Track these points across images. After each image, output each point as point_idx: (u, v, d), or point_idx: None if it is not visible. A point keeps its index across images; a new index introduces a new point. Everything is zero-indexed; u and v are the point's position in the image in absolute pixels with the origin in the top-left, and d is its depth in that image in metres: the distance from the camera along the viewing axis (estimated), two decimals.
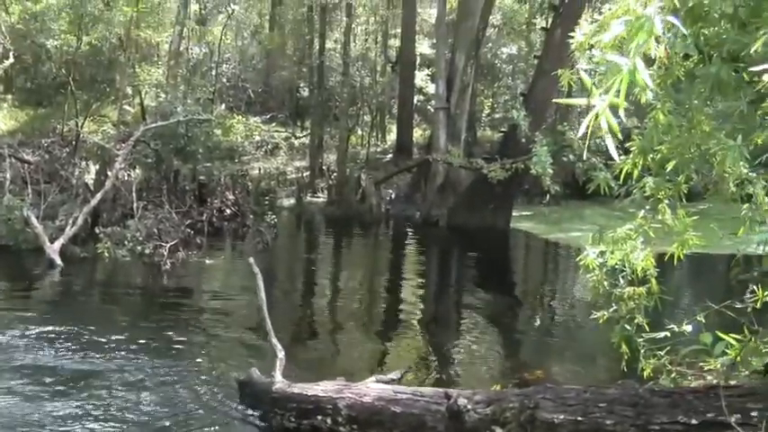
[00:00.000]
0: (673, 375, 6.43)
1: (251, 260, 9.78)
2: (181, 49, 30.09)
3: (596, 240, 5.99)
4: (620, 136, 3.02)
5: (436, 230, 23.79)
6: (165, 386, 8.71)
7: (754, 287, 5.84)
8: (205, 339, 10.93)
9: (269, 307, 9.09)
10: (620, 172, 5.28)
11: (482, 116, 39.48)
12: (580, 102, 3.38)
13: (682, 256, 5.75)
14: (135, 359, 9.59)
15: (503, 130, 27.54)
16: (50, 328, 10.82)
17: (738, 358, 6.11)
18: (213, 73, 34.05)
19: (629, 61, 2.80)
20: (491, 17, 29.36)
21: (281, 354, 8.32)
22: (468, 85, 26.08)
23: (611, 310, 6.22)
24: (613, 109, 2.90)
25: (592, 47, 3.85)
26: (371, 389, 7.18)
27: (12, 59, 24.58)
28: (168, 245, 16.28)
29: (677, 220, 5.68)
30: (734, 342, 6.10)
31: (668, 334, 6.24)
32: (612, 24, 3.11)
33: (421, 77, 36.70)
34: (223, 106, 34.32)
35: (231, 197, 20.80)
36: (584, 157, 17.10)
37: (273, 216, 20.71)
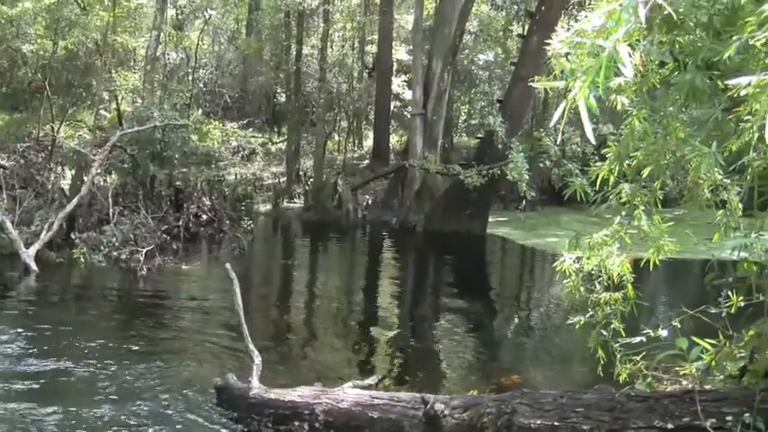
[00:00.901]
0: (648, 380, 6.46)
1: (227, 266, 9.66)
2: (157, 54, 29.91)
3: (572, 246, 6.01)
4: (597, 112, 3.07)
5: (413, 236, 23.85)
6: (141, 392, 8.63)
7: (729, 292, 5.87)
8: (182, 345, 10.85)
9: (245, 312, 9.08)
10: (596, 178, 5.29)
11: (459, 122, 39.57)
12: (559, 84, 3.38)
13: (657, 262, 5.76)
14: (110, 365, 9.49)
15: (479, 136, 27.62)
16: (25, 333, 10.71)
17: (713, 363, 6.19)
18: (190, 78, 33.89)
19: (610, 43, 2.85)
20: (468, 24, 29.41)
21: (257, 359, 8.28)
22: (445, 92, 26.17)
23: (588, 315, 6.25)
24: (591, 112, 2.92)
25: (567, 54, 3.87)
26: (348, 394, 7.17)
27: None
28: (144, 250, 16.21)
29: (653, 225, 5.68)
30: (709, 347, 6.19)
31: (644, 339, 6.30)
32: (594, 16, 3.15)
33: (398, 84, 36.74)
34: (200, 111, 34.30)
35: (208, 203, 20.66)
36: (560, 158, 17.12)
37: (250, 221, 20.95)
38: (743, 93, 3.37)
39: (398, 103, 37.02)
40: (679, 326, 6.07)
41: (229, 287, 9.27)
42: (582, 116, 2.83)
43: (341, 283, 17.92)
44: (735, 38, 3.56)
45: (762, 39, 3.46)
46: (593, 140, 3.54)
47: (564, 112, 3.01)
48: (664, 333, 6.23)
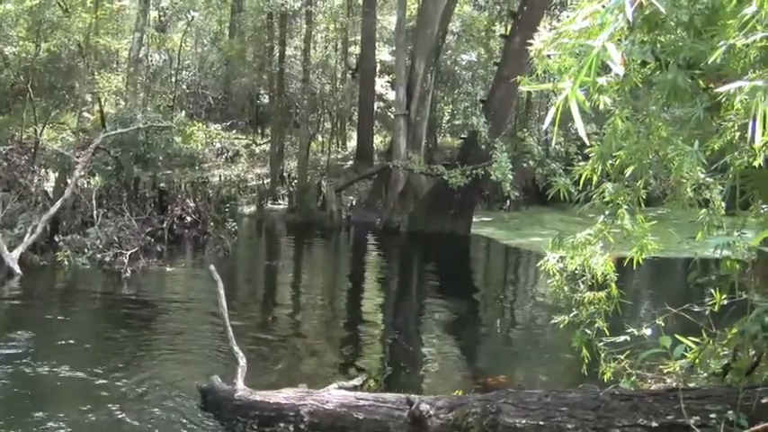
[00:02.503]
0: (633, 378, 6.48)
1: (211, 268, 9.71)
2: (140, 55, 29.78)
3: (556, 246, 6.02)
4: (589, 112, 3.11)
5: (397, 237, 23.84)
6: (125, 395, 8.57)
7: (712, 290, 5.89)
8: (166, 347, 10.82)
9: (230, 314, 9.06)
10: (580, 177, 5.30)
11: (442, 123, 39.54)
12: (546, 87, 3.40)
13: (641, 261, 5.78)
14: (94, 368, 9.42)
15: (463, 136, 27.92)
16: (8, 336, 10.63)
17: (697, 361, 6.25)
18: (173, 80, 33.79)
19: (599, 42, 2.87)
20: (450, 24, 29.44)
21: (242, 361, 8.29)
22: (428, 92, 26.18)
23: (572, 314, 6.26)
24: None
25: (549, 55, 3.90)
26: (333, 395, 7.16)
27: None
28: (128, 253, 16.14)
29: (636, 224, 5.71)
30: (692, 345, 6.22)
31: (628, 338, 6.33)
32: (578, 17, 3.19)
33: (381, 84, 36.76)
34: (183, 113, 34.12)
35: (192, 205, 20.50)
36: (544, 158, 17.14)
37: (234, 223, 20.97)
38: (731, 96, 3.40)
39: (382, 104, 37.05)
40: (663, 324, 6.03)
41: (214, 289, 9.28)
42: (574, 116, 2.83)
43: (325, 284, 17.91)
44: (720, 42, 3.56)
45: (742, 40, 3.47)
46: (586, 141, 3.63)
47: (556, 114, 3.01)
48: (647, 332, 6.24)
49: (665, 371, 6.49)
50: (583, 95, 2.97)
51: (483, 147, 20.50)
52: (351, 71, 36.93)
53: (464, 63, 37.85)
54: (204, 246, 19.68)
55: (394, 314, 14.76)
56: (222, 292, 9.16)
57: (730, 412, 5.07)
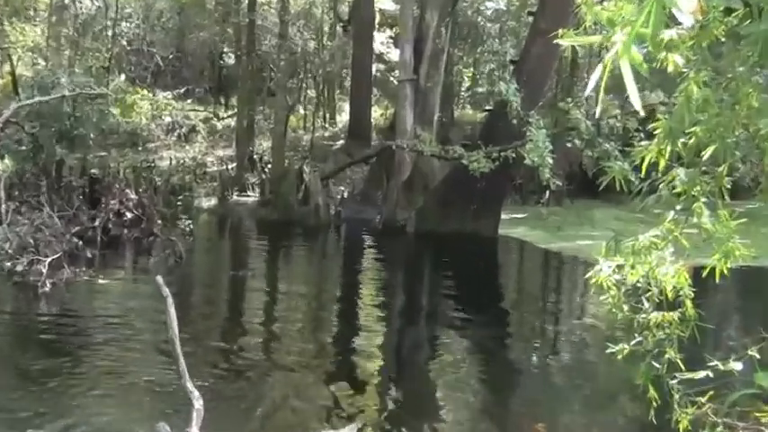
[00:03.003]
0: (719, 429, 6.28)
1: (159, 279, 9.67)
2: (66, 1, 29.77)
3: (611, 251, 5.68)
4: (647, 74, 3.06)
5: (402, 239, 24.03)
6: None
7: None
8: (99, 384, 10.77)
9: (183, 341, 9.03)
10: (642, 161, 5.10)
11: (461, 90, 39.54)
12: (593, 39, 3.35)
13: (725, 271, 5.43)
14: (4, 412, 9.38)
15: (488, 108, 27.83)
16: None
17: None
18: (109, 33, 33.75)
19: None
20: None
21: (198, 403, 8.28)
22: (443, 51, 26.39)
23: (634, 342, 5.99)
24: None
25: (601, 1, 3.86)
26: None
27: None
28: (48, 260, 16.10)
29: (718, 223, 5.41)
30: None
31: (710, 374, 6.05)
32: None
33: (381, 41, 36.73)
34: (122, 77, 34.11)
35: (133, 197, 20.51)
36: (594, 136, 17.05)
37: (189, 221, 21.02)
38: None
39: (382, 67, 37.00)
40: (758, 356, 5.85)
41: (162, 308, 9.21)
42: (625, 80, 2.76)
43: (308, 301, 17.70)
44: None
45: None
46: (640, 112, 3.59)
47: (602, 76, 2.93)
48: (737, 366, 5.93)
49: (763, 419, 6.30)
50: (640, 53, 2.92)
51: (514, 122, 20.48)
52: (342, 23, 36.93)
53: (489, 13, 37.82)
54: (149, 250, 19.71)
55: (398, 342, 14.81)
56: (173, 311, 9.06)
57: None
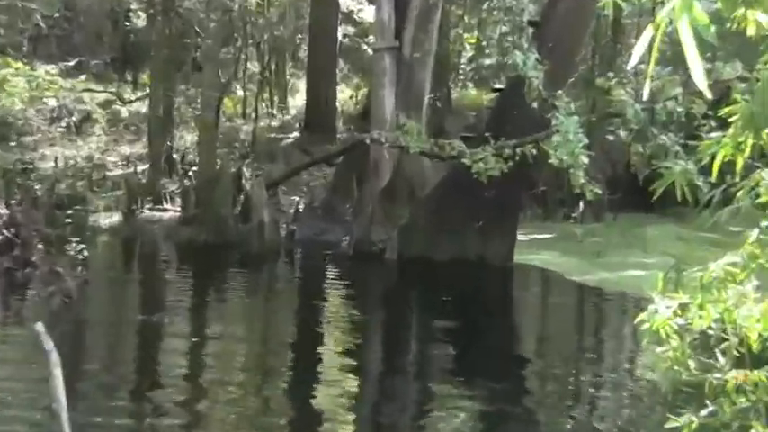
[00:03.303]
0: None
1: (39, 327, 9.01)
2: None
3: (671, 285, 5.94)
4: (714, 41, 3.24)
5: (379, 268, 23.89)
6: None
7: None
8: None
9: (72, 411, 8.64)
10: (712, 160, 5.32)
11: (460, 63, 40.53)
12: None
13: None
14: None
15: (498, 87, 28.00)
16: None
17: None
18: None
19: None
20: None
21: None
22: (436, 8, 25.72)
23: (705, 412, 6.03)
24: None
25: None
26: None
27: None
28: None
29: None
30: None
31: None
32: None
33: None
34: None
35: (2, 211, 20.17)
36: (647, 125, 17.72)
37: (82, 246, 19.99)
38: None
39: (351, 30, 37.82)
40: None
41: (43, 367, 8.79)
42: (685, 51, 2.91)
43: (247, 357, 17.15)
44: None
45: None
46: (706, 92, 3.62)
47: (653, 42, 3.12)
48: None
49: None
50: (706, 11, 3.10)
51: (534, 105, 19.72)
52: None
53: None
54: (25, 286, 19.28)
55: (375, 413, 13.95)
56: (58, 372, 8.47)
57: None
